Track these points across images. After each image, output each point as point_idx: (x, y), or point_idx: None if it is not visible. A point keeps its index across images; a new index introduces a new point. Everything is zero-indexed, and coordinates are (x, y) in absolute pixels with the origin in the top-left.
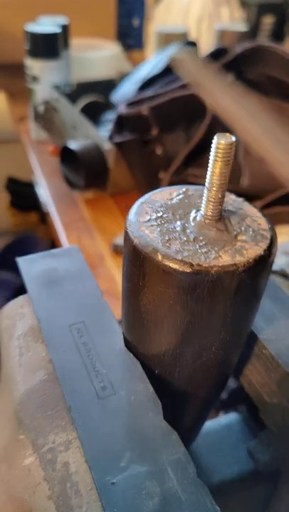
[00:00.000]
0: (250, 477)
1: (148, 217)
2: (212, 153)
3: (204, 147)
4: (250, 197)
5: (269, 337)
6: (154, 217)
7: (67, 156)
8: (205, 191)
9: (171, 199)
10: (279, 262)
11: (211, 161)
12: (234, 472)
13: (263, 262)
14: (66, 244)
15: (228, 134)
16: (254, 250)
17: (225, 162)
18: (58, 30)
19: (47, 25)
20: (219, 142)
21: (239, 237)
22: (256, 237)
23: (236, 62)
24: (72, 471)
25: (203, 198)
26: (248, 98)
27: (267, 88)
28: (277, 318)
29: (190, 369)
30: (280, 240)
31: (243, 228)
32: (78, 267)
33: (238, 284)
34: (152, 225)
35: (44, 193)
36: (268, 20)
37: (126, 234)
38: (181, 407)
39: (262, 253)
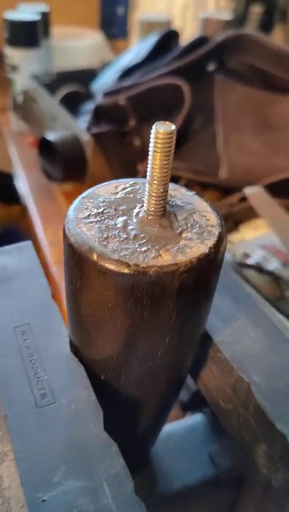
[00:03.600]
0: (213, 482)
1: (88, 213)
2: (151, 144)
3: (182, 138)
4: (228, 189)
5: (224, 339)
6: (94, 213)
7: (45, 147)
8: (146, 185)
9: (116, 193)
10: (255, 256)
11: (150, 152)
12: (196, 478)
13: (208, 262)
14: (43, 239)
15: (167, 123)
16: (198, 248)
17: (165, 153)
18: (37, 18)
19: (26, 13)
20: (158, 131)
21: (184, 234)
22: (202, 234)
23: (218, 51)
24: (6, 486)
25: (145, 192)
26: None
27: (249, 78)
28: (235, 318)
29: (136, 375)
30: (258, 233)
31: (189, 224)
32: (29, 264)
33: (180, 286)
34: (91, 222)
35: (22, 185)
36: (256, 10)
37: (63, 231)
38: (133, 413)
39: (206, 251)
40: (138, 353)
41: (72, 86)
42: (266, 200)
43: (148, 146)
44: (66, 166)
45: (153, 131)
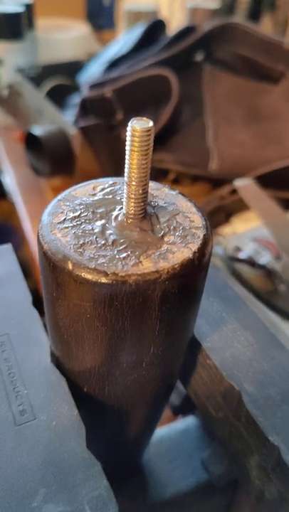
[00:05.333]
0: (207, 488)
1: (63, 218)
2: (127, 142)
3: (171, 131)
4: (219, 181)
5: (214, 345)
6: (70, 217)
7: (32, 142)
8: (124, 187)
9: (94, 195)
10: (247, 250)
11: (127, 152)
12: (189, 484)
13: (192, 267)
14: (31, 236)
15: (144, 118)
16: (182, 253)
17: (143, 152)
18: (21, 9)
19: (10, 4)
20: (134, 128)
21: (166, 238)
22: (186, 237)
23: (206, 40)
24: None
25: (124, 194)
26: (220, 81)
27: (238, 68)
28: (224, 321)
29: (121, 386)
30: (249, 225)
31: (172, 227)
32: (8, 270)
33: (162, 294)
34: (67, 227)
35: (10, 181)
36: None
37: (37, 238)
38: (119, 423)
39: (190, 256)
40: (121, 365)
41: (59, 79)
42: (257, 192)
43: None
44: (53, 161)
45: (129, 128)
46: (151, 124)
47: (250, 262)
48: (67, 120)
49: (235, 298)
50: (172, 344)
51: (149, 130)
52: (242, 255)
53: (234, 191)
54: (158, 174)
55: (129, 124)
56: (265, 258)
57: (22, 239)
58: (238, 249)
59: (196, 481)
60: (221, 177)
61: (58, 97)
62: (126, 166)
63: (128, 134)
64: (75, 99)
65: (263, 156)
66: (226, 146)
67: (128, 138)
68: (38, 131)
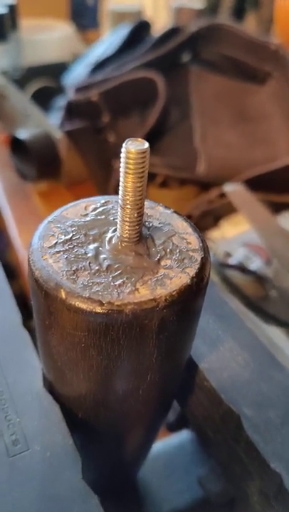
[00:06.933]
0: (203, 505)
1: (54, 241)
2: (122, 165)
3: (158, 133)
4: (207, 184)
5: (211, 366)
6: (61, 240)
7: (17, 145)
8: (119, 210)
9: (86, 215)
10: (237, 255)
11: (121, 174)
12: (186, 500)
13: (190, 293)
14: (18, 240)
15: (139, 140)
16: (179, 279)
17: (138, 174)
18: (4, 10)
19: None
20: (128, 150)
21: (163, 262)
22: (183, 261)
23: (192, 41)
24: None
25: (118, 217)
26: (207, 81)
27: (224, 68)
28: (221, 340)
29: (117, 412)
30: (238, 230)
31: (168, 250)
32: None
33: (160, 322)
34: (58, 252)
35: None
36: None
37: (28, 263)
38: (115, 448)
39: (188, 282)
40: (117, 392)
41: (43, 81)
42: (246, 197)
43: (123, 142)
44: (39, 165)
45: (123, 150)
46: (146, 145)
47: (241, 268)
48: (53, 123)
49: (231, 315)
50: (170, 369)
51: (144, 152)
52: (232, 261)
53: (223, 195)
54: None
55: (124, 145)
56: (255, 264)
57: (8, 241)
58: (228, 254)
59: (192, 498)
60: (209, 180)
61: (43, 99)
62: (120, 188)
63: (122, 156)
64: (61, 102)
65: (250, 157)
66: (213, 147)
67: (122, 160)
68: (23, 134)
